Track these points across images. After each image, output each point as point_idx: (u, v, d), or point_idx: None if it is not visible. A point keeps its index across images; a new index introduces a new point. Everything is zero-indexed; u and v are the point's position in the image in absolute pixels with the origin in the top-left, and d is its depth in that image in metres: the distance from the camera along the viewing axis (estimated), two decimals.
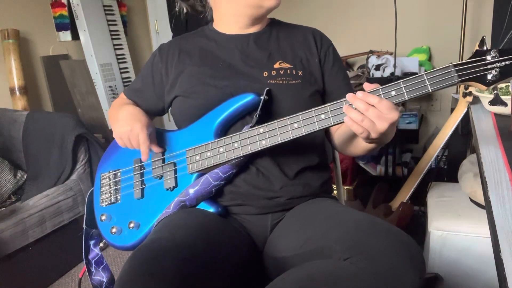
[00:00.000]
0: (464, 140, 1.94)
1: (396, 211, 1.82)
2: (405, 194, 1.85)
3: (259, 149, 0.82)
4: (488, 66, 0.69)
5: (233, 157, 0.84)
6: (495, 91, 0.74)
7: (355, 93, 0.73)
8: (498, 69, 0.69)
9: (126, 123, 0.91)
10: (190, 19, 2.86)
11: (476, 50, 0.71)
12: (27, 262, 1.71)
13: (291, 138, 0.79)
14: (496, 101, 0.74)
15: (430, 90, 0.72)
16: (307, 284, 0.64)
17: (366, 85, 0.75)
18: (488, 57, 0.70)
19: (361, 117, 0.71)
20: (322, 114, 0.78)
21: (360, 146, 0.90)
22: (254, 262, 0.89)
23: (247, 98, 0.87)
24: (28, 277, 1.71)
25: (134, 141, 0.90)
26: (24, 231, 1.67)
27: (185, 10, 1.04)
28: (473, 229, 1.38)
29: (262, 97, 0.87)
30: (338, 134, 0.97)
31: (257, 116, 0.86)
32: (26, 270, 1.70)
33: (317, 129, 0.78)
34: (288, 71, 0.92)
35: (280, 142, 0.80)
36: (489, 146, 0.94)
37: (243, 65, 0.94)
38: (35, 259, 1.74)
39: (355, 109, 0.72)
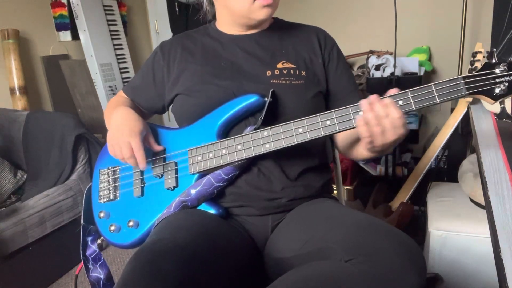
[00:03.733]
0: (464, 140, 1.94)
1: (396, 211, 1.82)
2: (405, 194, 1.85)
3: (263, 152, 0.82)
4: (497, 80, 0.69)
5: (236, 160, 0.84)
6: (502, 105, 0.74)
7: (376, 97, 0.72)
8: (506, 83, 0.69)
9: (117, 131, 0.88)
10: (191, 19, 2.87)
11: (485, 63, 0.70)
12: (27, 262, 1.71)
13: (296, 143, 0.79)
14: (503, 115, 0.74)
15: (438, 102, 0.72)
16: (307, 285, 0.64)
17: (393, 91, 0.74)
18: (497, 71, 0.69)
19: (375, 122, 0.70)
20: (327, 120, 0.77)
21: (359, 152, 0.90)
22: (254, 263, 0.89)
23: (251, 99, 0.86)
24: (28, 277, 1.71)
25: (127, 153, 0.86)
26: (24, 231, 1.67)
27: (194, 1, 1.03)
28: (473, 229, 1.38)
29: (267, 100, 0.86)
30: (342, 137, 0.96)
31: (262, 118, 0.85)
32: (26, 270, 1.70)
33: (322, 135, 0.78)
34: (292, 71, 0.92)
35: (284, 146, 0.80)
36: (489, 146, 0.94)
37: (246, 64, 0.93)
38: (35, 259, 1.74)
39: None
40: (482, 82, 0.70)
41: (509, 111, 1.08)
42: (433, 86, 0.72)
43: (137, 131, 0.88)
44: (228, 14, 0.94)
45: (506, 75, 0.69)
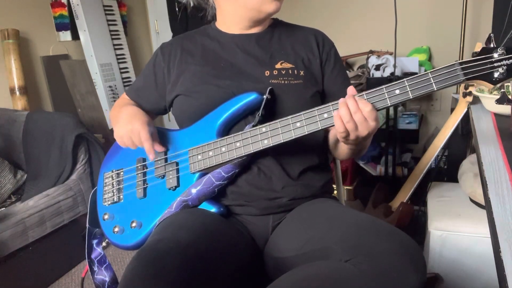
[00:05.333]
0: (464, 140, 1.95)
1: (396, 211, 1.82)
2: (405, 194, 1.85)
3: (261, 148, 0.82)
4: (495, 64, 0.68)
5: (236, 157, 0.84)
6: (502, 90, 0.73)
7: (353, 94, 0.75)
8: (505, 67, 0.68)
9: (126, 122, 0.91)
10: (191, 19, 2.86)
11: (483, 48, 0.70)
12: (27, 262, 1.71)
13: (294, 137, 0.79)
14: (503, 99, 0.73)
15: (435, 88, 0.72)
16: (307, 285, 0.64)
17: (351, 89, 0.77)
18: (495, 55, 0.69)
19: (348, 117, 0.74)
20: (324, 113, 0.78)
21: (342, 150, 0.94)
22: (255, 262, 0.89)
23: (250, 97, 0.87)
24: (28, 277, 1.71)
25: (136, 139, 0.89)
26: (24, 231, 1.67)
27: (191, 4, 1.04)
28: (473, 229, 1.38)
29: (265, 96, 0.87)
30: (330, 136, 0.98)
31: (260, 115, 0.86)
32: (26, 270, 1.70)
33: (320, 128, 0.78)
34: (290, 71, 0.93)
35: (282, 141, 0.80)
36: (489, 146, 0.94)
37: (245, 65, 0.94)
38: (35, 259, 1.74)
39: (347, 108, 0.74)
40: (479, 67, 0.69)
41: (509, 111, 1.08)
42: (429, 73, 0.72)
43: (145, 122, 0.91)
44: (234, 9, 0.94)
45: (505, 59, 0.68)
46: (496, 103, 0.74)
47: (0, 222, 1.60)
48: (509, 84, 1.14)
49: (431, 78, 0.71)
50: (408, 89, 0.73)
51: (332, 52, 0.99)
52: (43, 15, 2.50)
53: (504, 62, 0.68)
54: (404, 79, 0.73)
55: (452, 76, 0.71)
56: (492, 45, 0.69)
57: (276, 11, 0.91)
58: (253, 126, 0.85)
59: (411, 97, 0.73)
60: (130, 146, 0.91)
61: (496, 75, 0.69)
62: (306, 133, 0.79)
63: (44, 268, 1.80)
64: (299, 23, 1.05)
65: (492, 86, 0.70)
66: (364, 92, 0.76)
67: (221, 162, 0.86)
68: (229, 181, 0.88)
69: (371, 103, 0.75)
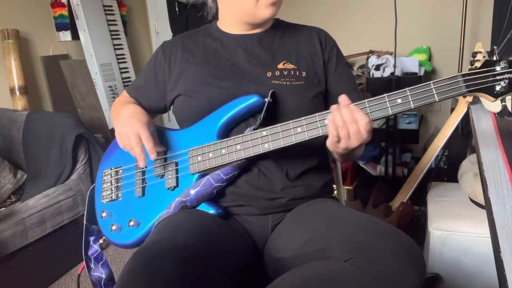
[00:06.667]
0: (464, 140, 1.95)
1: (396, 211, 1.82)
2: (405, 194, 1.85)
3: (262, 152, 0.82)
4: (497, 77, 0.69)
5: (235, 159, 0.84)
6: (503, 103, 0.73)
7: (351, 103, 0.75)
8: (507, 81, 0.68)
9: (125, 122, 0.90)
10: (191, 19, 2.86)
11: (485, 60, 0.70)
12: (27, 262, 1.71)
13: (294, 142, 0.79)
14: (504, 113, 0.74)
15: (437, 100, 0.72)
16: (307, 285, 0.64)
17: (343, 98, 0.75)
18: (498, 68, 0.69)
19: (342, 124, 0.73)
20: (325, 119, 0.78)
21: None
22: (254, 262, 0.89)
23: (252, 100, 0.87)
24: (28, 277, 1.71)
25: (133, 140, 0.88)
26: (24, 231, 1.67)
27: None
28: (473, 229, 1.38)
29: (266, 100, 0.86)
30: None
31: (261, 118, 0.86)
32: (26, 270, 1.70)
33: (320, 134, 0.78)
34: (292, 71, 0.92)
35: (283, 146, 0.80)
36: (489, 146, 0.94)
37: (246, 64, 0.94)
38: (35, 259, 1.74)
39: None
40: (482, 80, 0.69)
41: (510, 109, 1.08)
42: (432, 84, 0.72)
43: (145, 122, 0.90)
44: (231, 13, 0.94)
45: (507, 72, 0.68)
46: (497, 117, 0.74)
47: (0, 222, 1.60)
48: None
49: (433, 89, 0.71)
50: (410, 99, 0.73)
51: (334, 51, 0.99)
52: (43, 15, 2.50)
53: (506, 75, 0.68)
54: (406, 88, 0.73)
55: (454, 87, 0.71)
56: (495, 58, 0.69)
57: (271, 17, 0.91)
58: (254, 129, 0.85)
59: (412, 107, 0.73)
60: (127, 148, 0.90)
61: (497, 88, 0.69)
62: (307, 138, 0.79)
63: (44, 268, 1.80)
64: (299, 22, 1.05)
65: (493, 99, 0.70)
66: (366, 100, 0.75)
67: (220, 164, 0.86)
68: (228, 183, 0.88)
69: (372, 111, 0.75)
